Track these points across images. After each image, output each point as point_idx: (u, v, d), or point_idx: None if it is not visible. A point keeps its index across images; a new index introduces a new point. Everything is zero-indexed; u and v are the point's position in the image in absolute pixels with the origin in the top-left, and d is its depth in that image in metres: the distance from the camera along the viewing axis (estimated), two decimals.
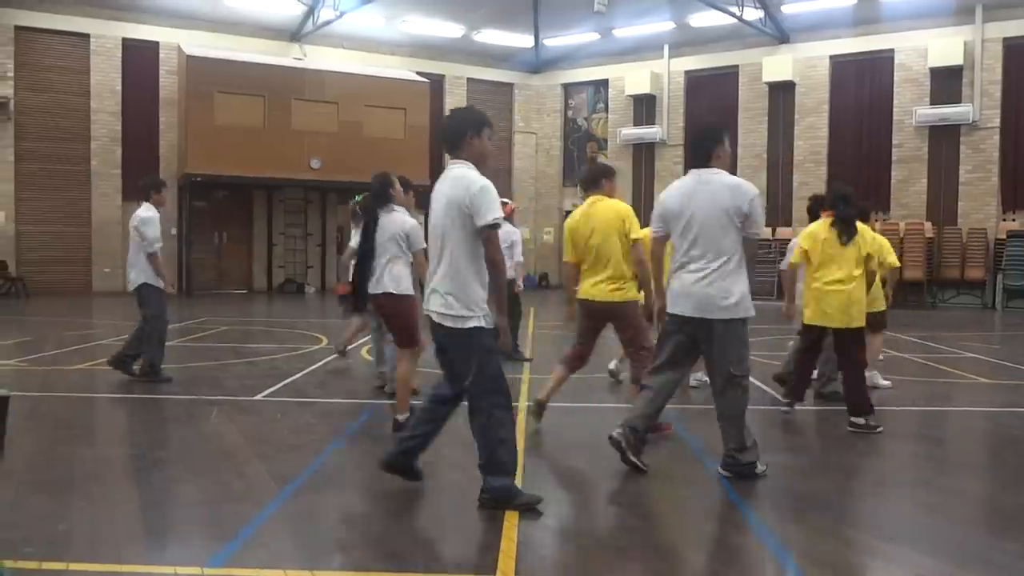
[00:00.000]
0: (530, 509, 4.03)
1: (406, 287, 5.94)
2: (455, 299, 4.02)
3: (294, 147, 19.62)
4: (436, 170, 22.58)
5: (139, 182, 8.09)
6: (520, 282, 9.27)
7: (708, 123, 5.24)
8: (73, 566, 3.36)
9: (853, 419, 5.95)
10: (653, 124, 22.65)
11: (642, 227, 5.62)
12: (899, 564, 3.52)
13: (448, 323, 4.03)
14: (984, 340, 12.32)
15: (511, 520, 3.92)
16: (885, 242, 7.18)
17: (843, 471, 5.10)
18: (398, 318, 5.94)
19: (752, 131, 21.33)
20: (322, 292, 21.22)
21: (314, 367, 8.78)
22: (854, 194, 6.23)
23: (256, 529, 3.83)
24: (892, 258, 7.21)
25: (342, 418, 6.48)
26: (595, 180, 5.77)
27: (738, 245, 4.56)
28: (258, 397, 7.11)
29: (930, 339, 11.97)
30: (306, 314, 16.04)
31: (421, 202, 6.16)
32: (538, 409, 5.86)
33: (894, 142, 19.48)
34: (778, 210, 20.76)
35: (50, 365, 8.89)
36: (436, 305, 4.08)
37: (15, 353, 9.73)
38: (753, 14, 19.62)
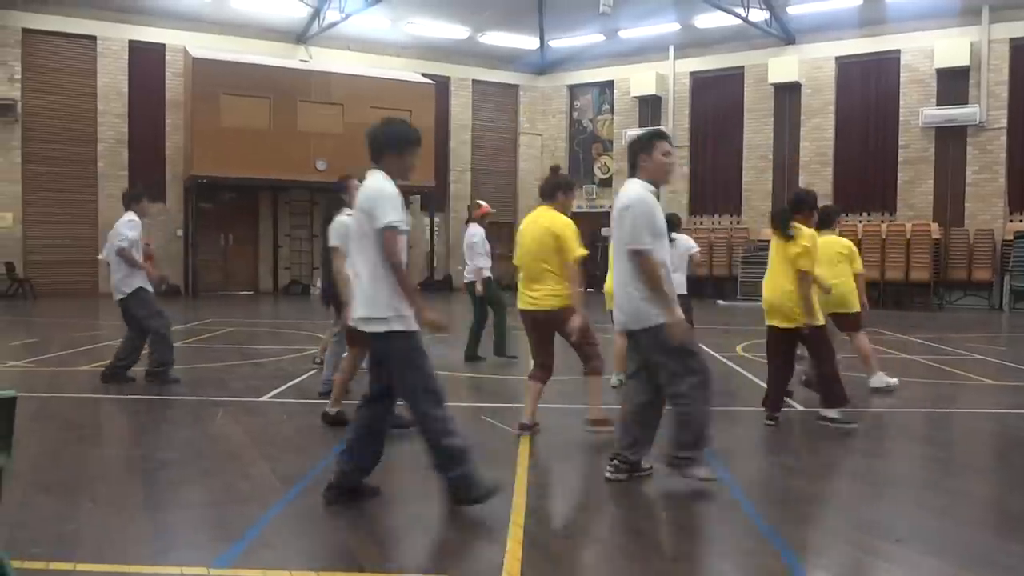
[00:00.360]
0: (490, 497, 4.02)
1: None
2: (376, 304, 4.02)
3: (300, 149, 19.67)
4: (441, 171, 22.66)
5: (124, 193, 8.29)
6: (479, 285, 9.09)
7: (640, 132, 5.08)
8: (80, 566, 3.37)
9: (823, 412, 5.99)
10: (658, 125, 22.64)
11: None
12: (905, 566, 3.51)
13: (372, 327, 4.04)
14: (991, 342, 12.28)
15: (517, 521, 3.93)
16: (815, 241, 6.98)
17: (849, 473, 5.08)
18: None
19: (758, 132, 21.31)
20: None
21: (319, 368, 8.79)
22: (807, 197, 6.26)
23: (262, 530, 3.84)
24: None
25: (349, 418, 6.48)
26: (551, 192, 5.76)
27: (634, 256, 4.46)
28: (264, 398, 7.13)
29: (937, 340, 11.94)
30: (312, 315, 16.04)
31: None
32: (530, 429, 5.80)
33: (900, 143, 19.44)
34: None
35: (57, 366, 8.92)
36: (360, 311, 4.10)
37: (22, 354, 9.77)
38: (759, 15, 19.61)
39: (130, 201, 7.97)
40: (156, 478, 4.74)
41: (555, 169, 6.22)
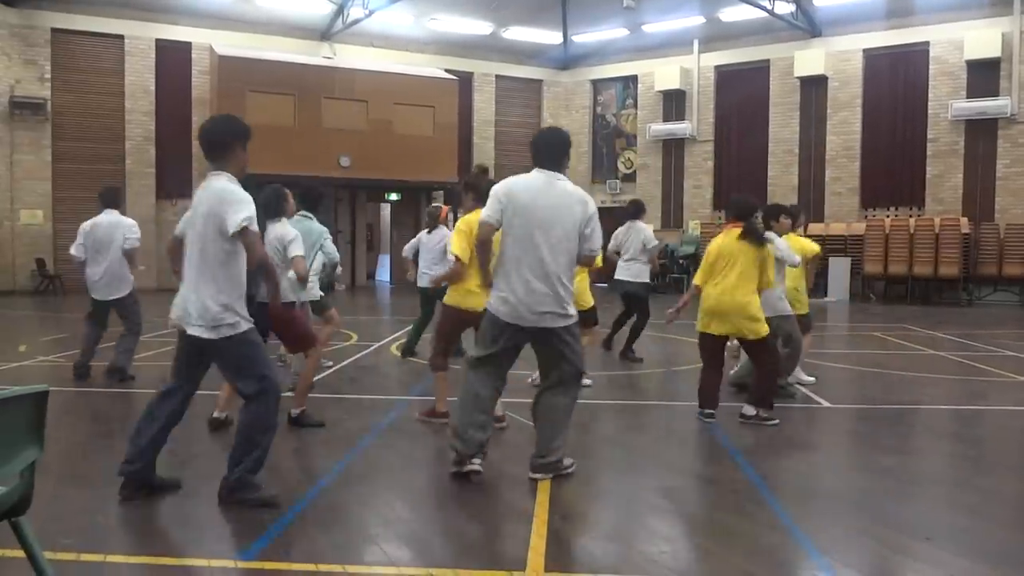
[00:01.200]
0: (266, 505, 4.02)
1: (287, 296, 5.79)
2: (217, 306, 4.02)
3: (324, 145, 19.76)
4: (465, 168, 22.67)
5: (102, 193, 8.32)
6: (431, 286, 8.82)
7: (564, 132, 4.77)
8: (110, 558, 3.42)
9: (745, 408, 6.05)
10: (683, 120, 22.51)
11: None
12: (934, 564, 3.47)
13: (208, 334, 4.05)
14: (1022, 338, 12.08)
15: (541, 516, 3.93)
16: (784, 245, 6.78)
17: (877, 470, 5.03)
18: (286, 324, 5.90)
19: (784, 126, 21.09)
20: (352, 289, 21.38)
21: (344, 363, 8.85)
22: (747, 203, 6.24)
23: (288, 524, 3.87)
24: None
25: (372, 414, 6.52)
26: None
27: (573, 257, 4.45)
28: (288, 393, 7.16)
29: (967, 337, 11.78)
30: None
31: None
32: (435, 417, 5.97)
33: (929, 136, 19.15)
34: (810, 205, 20.51)
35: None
36: (195, 314, 4.06)
37: (53, 349, 9.92)
38: (784, 8, 19.40)
39: (118, 201, 8.11)
40: (184, 472, 4.79)
41: (485, 170, 6.27)
